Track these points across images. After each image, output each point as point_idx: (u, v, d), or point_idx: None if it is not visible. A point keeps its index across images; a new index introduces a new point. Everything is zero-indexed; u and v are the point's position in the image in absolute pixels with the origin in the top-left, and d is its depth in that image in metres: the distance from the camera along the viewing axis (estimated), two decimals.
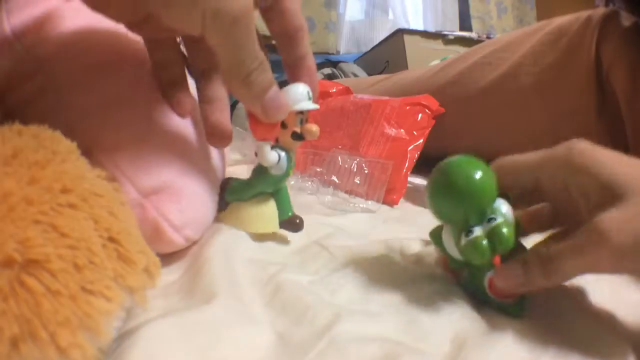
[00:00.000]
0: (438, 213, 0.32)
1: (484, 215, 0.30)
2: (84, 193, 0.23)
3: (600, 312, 0.32)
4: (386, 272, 0.36)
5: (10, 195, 0.20)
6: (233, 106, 1.06)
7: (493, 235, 0.29)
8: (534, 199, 0.34)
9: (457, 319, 0.30)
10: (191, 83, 0.52)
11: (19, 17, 0.35)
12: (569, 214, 0.31)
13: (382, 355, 0.25)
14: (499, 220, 0.29)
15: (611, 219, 0.26)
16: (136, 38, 0.37)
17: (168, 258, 0.35)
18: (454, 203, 0.30)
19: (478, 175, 0.29)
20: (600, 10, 0.62)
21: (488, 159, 0.32)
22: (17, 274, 0.19)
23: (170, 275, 0.33)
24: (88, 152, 0.32)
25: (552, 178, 0.31)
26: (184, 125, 0.38)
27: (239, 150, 0.72)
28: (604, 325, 0.31)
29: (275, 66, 1.19)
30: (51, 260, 0.19)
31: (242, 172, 0.60)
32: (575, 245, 0.28)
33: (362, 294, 0.32)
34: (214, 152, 0.41)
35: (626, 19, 0.60)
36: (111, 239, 0.23)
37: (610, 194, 0.27)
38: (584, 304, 0.33)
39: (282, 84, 1.11)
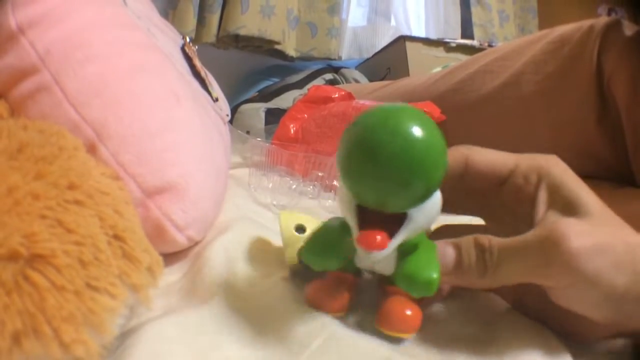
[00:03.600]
0: (356, 193, 0.24)
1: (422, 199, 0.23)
2: (90, 190, 0.23)
3: (534, 327, 0.30)
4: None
5: (16, 190, 0.20)
6: (235, 108, 1.06)
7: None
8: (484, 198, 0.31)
9: None
10: (192, 83, 0.52)
11: (24, 12, 0.35)
12: (513, 221, 0.29)
13: (381, 357, 0.25)
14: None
15: (570, 223, 0.25)
16: (141, 35, 0.38)
17: (170, 258, 0.35)
18: (381, 183, 0.22)
19: (422, 134, 0.21)
20: (603, 20, 0.62)
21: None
22: (21, 268, 0.19)
23: (171, 275, 0.33)
24: (92, 149, 0.32)
25: (526, 177, 0.28)
26: (189, 126, 0.38)
27: (240, 153, 0.72)
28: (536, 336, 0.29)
29: (276, 70, 1.19)
30: (57, 256, 0.19)
31: (242, 174, 0.60)
32: (525, 242, 0.25)
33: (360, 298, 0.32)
34: (218, 154, 0.41)
35: (628, 29, 0.60)
36: (116, 237, 0.23)
37: (574, 209, 0.26)
38: (514, 317, 0.31)
39: (281, 90, 1.11)
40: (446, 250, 0.27)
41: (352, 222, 0.24)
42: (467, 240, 0.27)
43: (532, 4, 1.78)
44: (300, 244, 0.33)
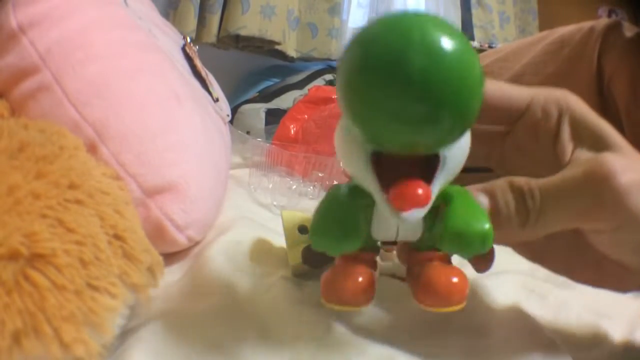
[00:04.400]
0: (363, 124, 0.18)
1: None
2: (90, 190, 0.23)
3: (535, 327, 0.30)
4: (384, 276, 0.36)
5: (17, 189, 0.20)
6: (235, 109, 1.06)
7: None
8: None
9: None
10: (193, 83, 0.52)
11: (25, 12, 0.35)
12: (534, 160, 0.26)
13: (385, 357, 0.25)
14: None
15: (614, 158, 0.22)
16: (141, 35, 0.38)
17: (170, 258, 0.35)
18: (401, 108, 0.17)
19: (458, 48, 0.16)
20: (603, 21, 0.62)
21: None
22: (22, 267, 0.19)
23: (171, 275, 0.33)
24: (93, 149, 0.32)
25: (546, 111, 0.25)
26: (190, 127, 0.38)
27: (240, 153, 0.72)
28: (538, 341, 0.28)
29: (276, 71, 1.19)
30: (57, 255, 0.19)
31: (242, 174, 0.60)
32: (571, 181, 0.22)
33: None
34: (218, 154, 0.41)
35: (628, 30, 0.60)
36: (117, 237, 0.23)
37: (605, 145, 0.24)
38: (512, 317, 0.31)
39: (281, 90, 1.11)
40: (478, 198, 0.22)
41: (370, 179, 0.19)
42: (500, 185, 0.23)
43: (532, 6, 1.78)
44: (303, 244, 0.33)
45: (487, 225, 0.20)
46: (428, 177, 0.19)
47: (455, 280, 0.21)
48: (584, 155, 0.24)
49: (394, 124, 0.17)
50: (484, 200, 0.22)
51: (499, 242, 0.25)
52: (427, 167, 0.19)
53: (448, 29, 0.17)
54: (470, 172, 0.30)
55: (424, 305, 0.22)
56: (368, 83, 0.17)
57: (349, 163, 0.20)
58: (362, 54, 0.17)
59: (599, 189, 0.22)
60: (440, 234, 0.21)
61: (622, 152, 0.23)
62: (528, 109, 0.26)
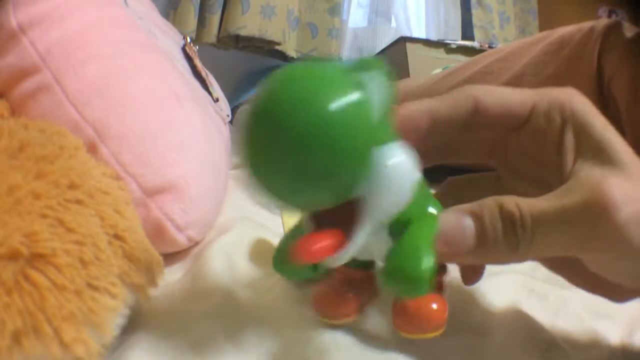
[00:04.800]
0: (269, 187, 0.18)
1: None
2: (90, 190, 0.23)
3: (534, 327, 0.29)
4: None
5: (17, 189, 0.20)
6: (235, 109, 1.06)
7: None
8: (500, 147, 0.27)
9: None
10: (193, 83, 0.52)
11: (25, 11, 0.35)
12: (539, 164, 0.25)
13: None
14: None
15: (613, 185, 0.20)
16: (142, 35, 0.38)
17: (170, 258, 0.35)
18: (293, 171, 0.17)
19: (337, 104, 0.16)
20: (603, 21, 0.62)
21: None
22: (22, 267, 0.19)
23: (172, 275, 0.33)
24: (93, 149, 0.32)
25: (549, 118, 0.24)
26: (190, 127, 0.38)
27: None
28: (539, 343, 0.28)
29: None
30: (57, 255, 0.19)
31: (243, 175, 0.60)
32: (565, 209, 0.20)
33: None
34: (218, 154, 0.41)
35: (629, 30, 0.60)
36: (117, 236, 0.23)
37: (607, 158, 0.22)
38: (512, 317, 0.30)
39: None
40: (464, 222, 0.21)
41: (306, 227, 0.20)
42: (489, 208, 0.21)
43: (532, 6, 1.78)
44: None
45: (424, 266, 0.19)
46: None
47: (434, 306, 0.20)
48: (585, 171, 0.22)
49: (272, 185, 0.17)
50: (469, 225, 0.21)
51: (487, 263, 0.24)
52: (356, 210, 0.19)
53: (332, 80, 0.16)
54: (472, 172, 0.30)
55: (401, 332, 0.21)
56: (247, 141, 0.17)
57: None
58: (249, 108, 0.17)
59: (596, 223, 0.20)
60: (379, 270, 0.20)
61: (626, 171, 0.22)
62: (531, 117, 0.24)
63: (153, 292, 0.26)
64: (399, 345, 0.27)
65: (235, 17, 1.20)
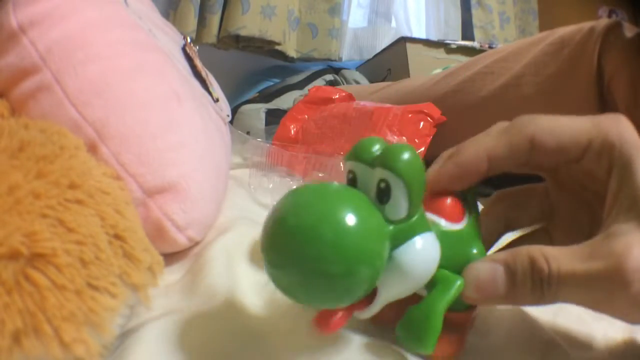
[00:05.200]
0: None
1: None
2: (90, 189, 0.23)
3: (534, 327, 0.29)
4: None
5: (17, 188, 0.20)
6: (235, 109, 1.06)
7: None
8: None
9: None
10: (193, 83, 0.52)
11: (25, 11, 0.35)
12: (583, 194, 0.26)
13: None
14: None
15: (637, 258, 0.21)
16: (142, 35, 0.37)
17: (170, 258, 0.35)
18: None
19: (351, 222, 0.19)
20: (603, 22, 0.63)
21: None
22: (22, 267, 0.19)
23: (172, 275, 0.33)
24: (93, 149, 0.32)
25: (599, 159, 0.24)
26: (190, 127, 0.38)
27: (240, 154, 0.72)
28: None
29: (276, 71, 1.19)
30: (58, 255, 0.19)
31: (243, 175, 0.60)
32: (590, 275, 0.22)
33: None
34: (219, 155, 0.41)
35: (629, 30, 0.60)
36: (117, 236, 0.23)
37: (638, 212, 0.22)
38: (512, 317, 0.30)
39: (281, 91, 1.11)
40: (496, 272, 0.23)
41: None
42: (521, 262, 0.23)
43: (532, 6, 1.78)
44: None
45: (430, 337, 0.22)
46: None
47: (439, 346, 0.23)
48: (616, 227, 0.22)
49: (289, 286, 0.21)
50: (500, 275, 0.23)
51: (512, 305, 0.25)
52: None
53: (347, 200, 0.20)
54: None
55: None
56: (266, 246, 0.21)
57: None
58: (267, 219, 0.21)
59: (613, 293, 0.22)
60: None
61: None
62: (584, 156, 0.24)
63: (153, 291, 0.26)
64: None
65: (235, 17, 1.20)
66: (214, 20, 1.20)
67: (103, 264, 0.21)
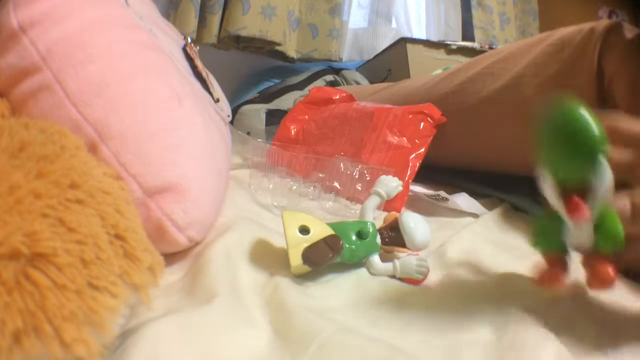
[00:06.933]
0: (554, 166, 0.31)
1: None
2: (91, 189, 0.23)
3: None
4: (381, 277, 0.36)
5: (18, 188, 0.20)
6: (235, 109, 1.06)
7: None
8: None
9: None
10: (193, 84, 0.52)
11: (26, 11, 0.35)
12: None
13: (380, 355, 0.25)
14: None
15: None
16: (142, 35, 0.37)
17: (171, 258, 0.35)
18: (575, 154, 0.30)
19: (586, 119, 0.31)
20: (604, 22, 0.62)
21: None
22: (23, 266, 0.19)
23: (172, 274, 0.33)
24: (94, 149, 0.32)
25: None
26: (191, 127, 0.38)
27: (240, 154, 0.72)
28: None
29: (277, 71, 1.19)
30: (58, 255, 0.19)
31: (243, 175, 0.60)
32: None
33: (359, 297, 0.32)
34: (219, 155, 0.41)
35: (629, 31, 0.60)
36: (117, 236, 0.23)
37: None
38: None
39: (281, 91, 1.11)
40: (623, 202, 0.30)
41: (558, 205, 0.30)
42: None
43: (533, 7, 1.78)
44: (304, 245, 0.33)
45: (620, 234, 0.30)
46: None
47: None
48: None
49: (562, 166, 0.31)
50: (626, 204, 0.30)
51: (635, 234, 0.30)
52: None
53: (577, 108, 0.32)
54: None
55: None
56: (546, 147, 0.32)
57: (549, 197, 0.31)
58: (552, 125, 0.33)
59: None
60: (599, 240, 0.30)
61: None
62: None
63: (153, 291, 0.26)
64: (405, 342, 0.27)
65: (235, 18, 1.20)
66: (215, 21, 1.20)
67: (104, 264, 0.21)
